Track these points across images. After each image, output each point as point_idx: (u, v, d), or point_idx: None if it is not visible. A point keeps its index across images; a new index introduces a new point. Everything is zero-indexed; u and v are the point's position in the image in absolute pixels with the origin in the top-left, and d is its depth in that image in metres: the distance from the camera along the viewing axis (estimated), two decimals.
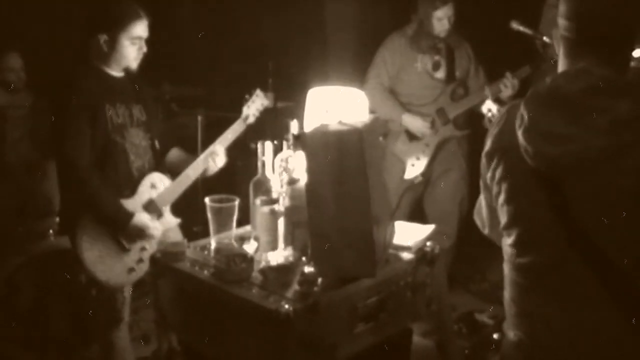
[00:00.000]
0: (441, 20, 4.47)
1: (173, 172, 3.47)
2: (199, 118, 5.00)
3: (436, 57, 4.64)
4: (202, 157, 3.42)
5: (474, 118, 4.64)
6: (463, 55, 4.70)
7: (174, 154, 3.60)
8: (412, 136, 4.63)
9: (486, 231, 2.16)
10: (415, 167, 4.63)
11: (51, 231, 4.33)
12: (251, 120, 3.47)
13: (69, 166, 3.19)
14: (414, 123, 4.57)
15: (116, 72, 3.34)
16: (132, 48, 3.27)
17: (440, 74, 4.66)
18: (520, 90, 4.29)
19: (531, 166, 1.78)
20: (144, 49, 3.32)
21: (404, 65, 4.62)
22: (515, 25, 3.72)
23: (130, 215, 3.23)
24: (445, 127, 4.63)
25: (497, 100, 3.91)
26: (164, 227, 3.40)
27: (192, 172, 3.41)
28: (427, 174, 4.69)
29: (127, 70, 3.35)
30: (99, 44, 3.25)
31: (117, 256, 3.27)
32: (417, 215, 4.77)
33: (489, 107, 3.80)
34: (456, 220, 4.75)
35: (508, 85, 4.33)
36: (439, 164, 4.70)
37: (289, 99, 4.87)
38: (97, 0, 3.41)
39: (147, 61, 3.37)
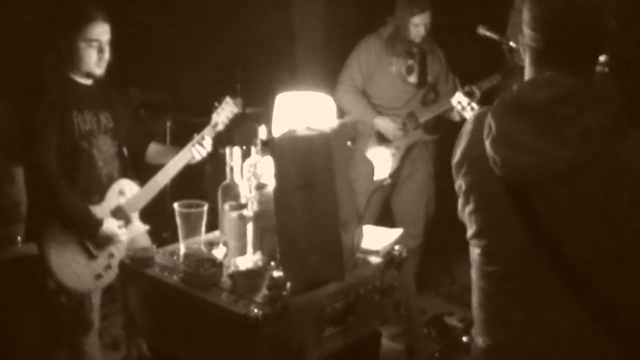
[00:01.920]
0: (418, 26, 4.52)
1: (157, 166, 3.49)
2: (168, 123, 5.01)
3: (410, 61, 4.68)
4: (171, 163, 3.43)
5: (443, 123, 4.72)
6: (435, 60, 4.76)
7: (153, 149, 3.63)
8: (382, 139, 4.68)
9: None
10: (384, 169, 4.69)
11: (19, 238, 4.30)
12: (220, 127, 3.47)
13: (37, 171, 3.19)
14: (386, 126, 4.62)
15: (82, 79, 3.33)
16: (90, 51, 3.22)
17: (413, 78, 4.71)
18: (490, 96, 4.34)
19: (499, 176, 1.79)
20: (106, 54, 3.28)
21: (378, 67, 4.67)
22: (482, 31, 3.77)
23: (99, 222, 3.23)
24: (415, 131, 4.69)
25: (468, 94, 3.93)
26: (133, 233, 3.40)
27: (161, 179, 3.42)
28: (395, 175, 4.74)
29: (92, 78, 3.32)
30: (60, 49, 3.24)
31: (84, 262, 3.26)
32: (385, 216, 4.83)
33: (459, 100, 3.85)
34: (422, 221, 4.85)
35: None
36: (407, 166, 4.77)
37: (257, 104, 4.88)
38: (57, 4, 3.40)
39: (114, 65, 3.35)
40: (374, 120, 4.63)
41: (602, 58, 2.58)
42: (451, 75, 4.77)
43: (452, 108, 4.23)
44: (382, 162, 4.70)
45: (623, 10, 1.92)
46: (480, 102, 3.89)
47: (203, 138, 3.42)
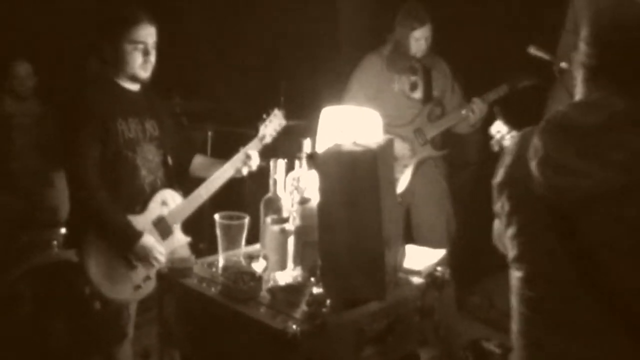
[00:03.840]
0: (419, 40, 4.48)
1: (201, 179, 3.48)
2: (209, 133, 5.03)
3: (413, 77, 4.64)
4: (216, 174, 3.42)
5: (451, 138, 4.71)
6: (440, 74, 4.71)
7: (198, 161, 3.63)
8: None
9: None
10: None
11: (55, 242, 4.34)
12: (268, 140, 3.47)
13: (76, 183, 3.23)
14: (395, 143, 4.57)
15: (129, 85, 3.35)
16: (135, 54, 3.25)
17: (418, 94, 4.66)
18: (520, 109, 4.28)
19: (543, 199, 1.79)
20: (152, 57, 3.30)
21: (381, 86, 4.62)
22: (533, 51, 3.74)
23: (138, 234, 3.23)
24: (424, 148, 4.64)
25: (506, 120, 3.88)
26: (174, 245, 3.40)
27: (204, 192, 3.42)
28: (406, 196, 4.67)
29: (138, 81, 3.35)
30: (105, 53, 3.28)
31: (124, 272, 3.26)
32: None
33: (498, 129, 3.79)
34: (445, 241, 4.69)
35: (476, 111, 4.39)
36: (420, 185, 4.69)
37: (301, 116, 4.90)
38: (103, 9, 3.43)
39: (157, 74, 3.37)
40: None
41: None
42: (457, 87, 4.73)
43: (461, 120, 4.31)
44: None
45: None
46: (490, 114, 3.84)
47: (249, 153, 3.41)
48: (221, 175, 3.42)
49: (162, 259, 3.28)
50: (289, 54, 5.68)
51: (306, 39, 5.63)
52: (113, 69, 3.32)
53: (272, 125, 3.48)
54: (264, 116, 3.49)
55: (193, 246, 3.57)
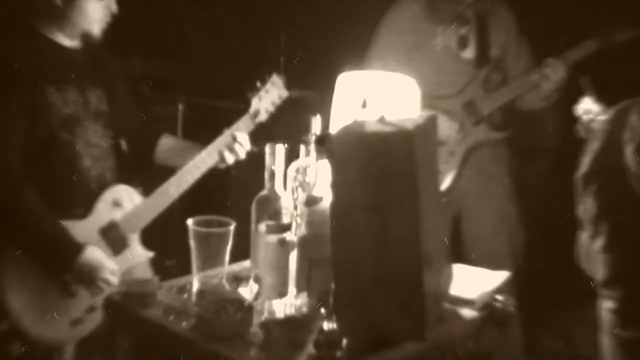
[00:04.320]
0: None
1: (169, 170, 3.49)
2: (180, 107, 5.04)
3: (462, 29, 4.63)
4: (190, 165, 3.43)
5: (516, 115, 4.71)
6: (500, 26, 4.69)
7: (165, 144, 3.65)
8: None
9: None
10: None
11: None
12: (263, 117, 3.50)
13: None
14: None
15: (69, 41, 3.36)
16: (97, 4, 3.27)
17: (469, 53, 4.65)
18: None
19: None
20: (113, 8, 3.33)
21: (418, 42, 4.61)
22: None
23: (78, 247, 3.23)
24: (477, 128, 4.63)
25: (598, 94, 3.86)
26: (130, 262, 3.42)
27: (173, 189, 3.44)
28: (454, 193, 4.65)
29: (85, 39, 3.36)
30: None
31: (58, 302, 3.26)
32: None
33: (588, 107, 3.77)
34: (507, 257, 4.68)
35: (551, 77, 4.38)
36: (472, 184, 4.68)
37: (308, 85, 4.90)
38: None
39: (111, 25, 3.37)
40: None
41: None
42: (525, 45, 4.72)
43: (529, 90, 4.34)
44: None
45: None
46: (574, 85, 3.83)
47: (237, 135, 3.42)
48: (198, 165, 3.43)
49: (114, 280, 3.27)
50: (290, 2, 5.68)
51: None
52: (53, 19, 3.31)
53: (269, 96, 3.50)
54: (258, 84, 3.50)
55: (157, 264, 3.59)
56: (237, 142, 3.41)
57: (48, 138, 3.25)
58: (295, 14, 5.47)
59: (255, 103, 3.48)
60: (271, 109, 3.51)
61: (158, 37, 5.50)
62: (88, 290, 3.28)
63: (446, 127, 4.54)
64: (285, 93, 3.54)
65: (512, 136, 4.75)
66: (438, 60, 4.59)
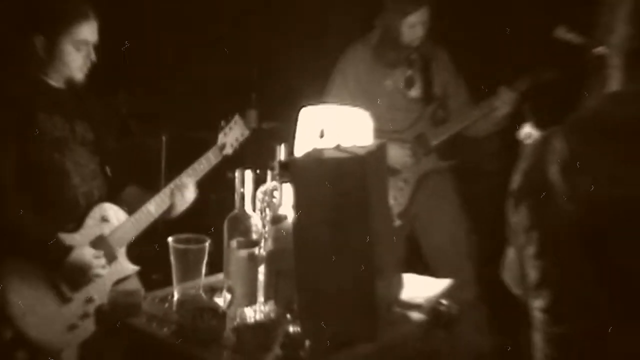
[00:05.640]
0: (414, 27, 4.41)
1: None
2: (164, 139, 5.02)
3: (409, 71, 4.62)
4: (166, 190, 3.44)
5: (462, 142, 4.71)
6: (441, 67, 4.67)
7: (130, 192, 3.61)
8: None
9: (518, 291, 2.16)
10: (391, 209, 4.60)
11: None
12: (229, 150, 3.53)
13: None
14: (391, 153, 4.51)
15: (56, 83, 3.37)
16: (76, 55, 3.29)
17: (415, 91, 4.64)
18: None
19: (569, 212, 1.80)
20: (92, 56, 3.34)
21: (370, 82, 4.59)
22: (562, 34, 3.75)
23: (66, 248, 3.20)
24: (428, 158, 4.63)
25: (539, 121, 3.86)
26: (118, 275, 3.39)
27: (154, 208, 3.43)
28: (408, 215, 4.64)
29: (69, 83, 3.37)
30: (35, 47, 3.27)
31: (54, 308, 3.22)
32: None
33: (528, 132, 3.79)
34: (467, 267, 4.63)
35: (506, 101, 4.37)
36: (425, 203, 4.66)
37: (275, 118, 4.89)
38: None
39: (98, 63, 3.38)
40: None
41: None
42: (462, 82, 4.71)
43: (474, 122, 4.32)
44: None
45: None
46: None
47: (182, 182, 3.47)
48: (159, 203, 3.45)
49: (104, 273, 3.28)
50: (262, 40, 5.67)
51: (282, 22, 5.63)
52: (39, 65, 3.33)
53: (233, 133, 3.55)
54: (222, 123, 3.54)
55: (144, 277, 3.56)
56: (183, 189, 3.45)
57: (40, 156, 3.23)
58: (267, 53, 5.48)
59: (221, 138, 3.52)
60: (236, 144, 3.56)
61: (144, 76, 5.48)
62: (82, 295, 3.26)
63: (400, 157, 4.54)
64: (247, 131, 3.59)
65: (458, 162, 4.77)
66: (390, 99, 4.58)
